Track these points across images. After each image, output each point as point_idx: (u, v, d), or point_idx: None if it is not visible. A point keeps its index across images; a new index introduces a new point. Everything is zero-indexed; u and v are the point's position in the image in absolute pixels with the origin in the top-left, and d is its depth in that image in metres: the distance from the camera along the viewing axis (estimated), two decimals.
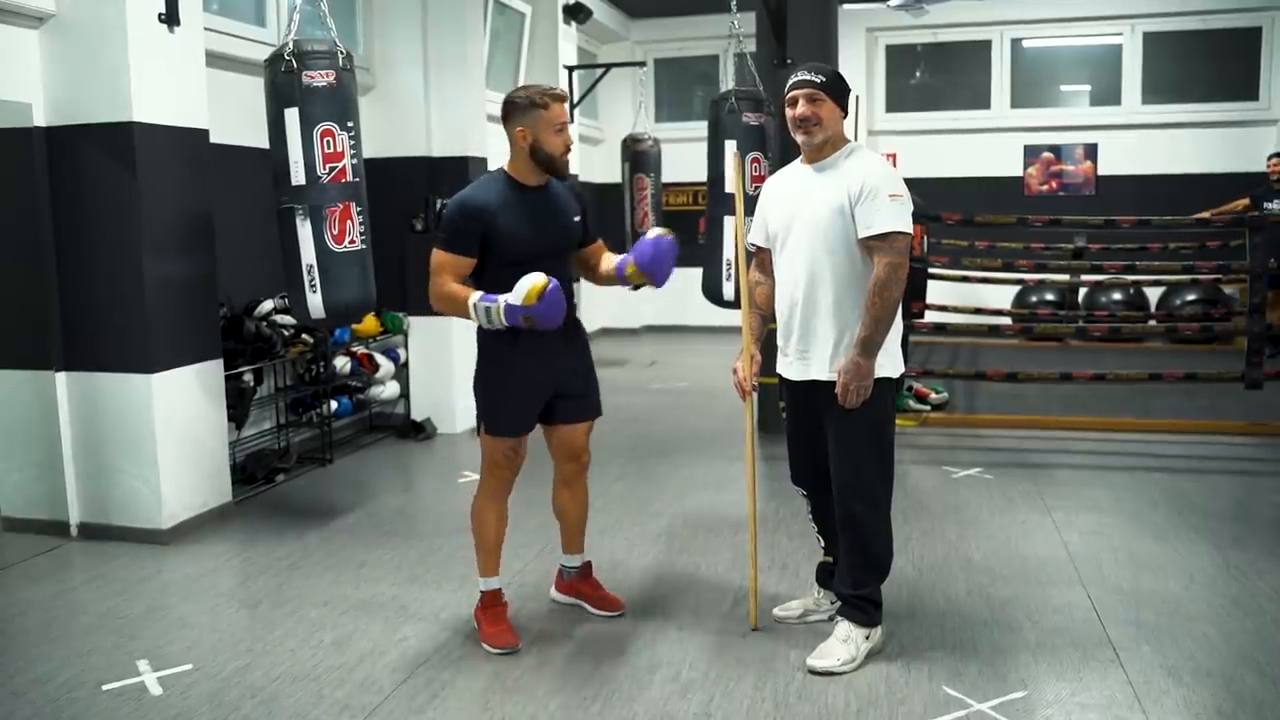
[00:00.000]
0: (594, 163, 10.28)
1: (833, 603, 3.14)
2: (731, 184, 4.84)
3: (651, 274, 3.04)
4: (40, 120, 4.03)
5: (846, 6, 8.94)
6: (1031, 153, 10.17)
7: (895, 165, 3.09)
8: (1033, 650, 3.01)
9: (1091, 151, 10.03)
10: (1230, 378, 5.62)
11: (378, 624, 3.28)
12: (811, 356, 2.93)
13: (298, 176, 3.84)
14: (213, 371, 4.40)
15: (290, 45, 3.81)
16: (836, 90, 2.91)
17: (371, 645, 3.12)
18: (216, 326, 4.45)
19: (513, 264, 2.86)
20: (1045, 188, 10.16)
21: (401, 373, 6.03)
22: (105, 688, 2.86)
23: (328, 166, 3.85)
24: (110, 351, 4.09)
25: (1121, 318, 8.42)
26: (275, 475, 4.96)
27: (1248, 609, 3.30)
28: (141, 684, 2.89)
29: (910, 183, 2.90)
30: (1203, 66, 9.84)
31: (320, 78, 3.80)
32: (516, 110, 2.97)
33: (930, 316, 6.80)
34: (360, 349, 5.68)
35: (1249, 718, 2.62)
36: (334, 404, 5.44)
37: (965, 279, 6.95)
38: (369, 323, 5.66)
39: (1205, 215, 7.32)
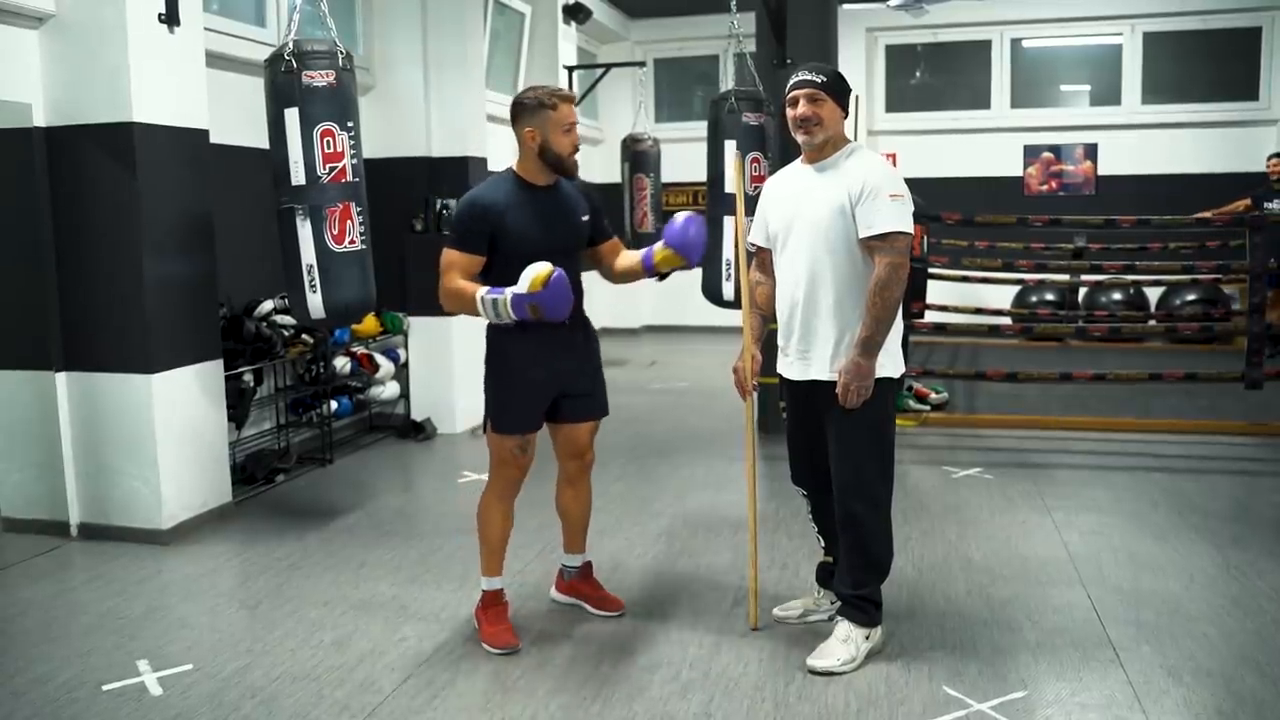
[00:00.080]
0: (594, 163, 10.28)
1: (833, 603, 3.14)
2: (732, 184, 4.85)
3: (686, 252, 3.01)
4: (40, 120, 4.03)
5: (846, 6, 8.95)
6: (1031, 153, 10.17)
7: (895, 165, 3.08)
8: (1033, 650, 3.01)
9: (1091, 151, 10.03)
10: (1230, 378, 5.62)
11: (378, 624, 3.28)
12: (812, 356, 2.93)
13: (298, 176, 3.84)
14: (213, 372, 4.40)
15: (290, 45, 3.80)
16: (837, 90, 2.91)
17: (371, 645, 3.12)
18: (216, 327, 4.45)
19: (521, 263, 2.86)
20: (1045, 188, 10.16)
21: (401, 373, 6.03)
22: (105, 688, 2.86)
23: (328, 166, 3.84)
24: (110, 352, 4.09)
25: (1121, 318, 8.42)
26: (275, 475, 4.96)
27: (1248, 609, 3.30)
28: (141, 684, 2.89)
29: (910, 183, 2.90)
30: (1203, 66, 9.84)
31: (320, 78, 3.80)
32: (525, 111, 2.98)
33: (930, 316, 6.80)
34: (360, 349, 5.68)
35: (1249, 718, 2.62)
36: (334, 404, 5.44)
37: (965, 279, 6.96)
38: (369, 323, 5.66)
39: (1206, 215, 7.32)
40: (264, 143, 3.97)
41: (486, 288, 2.86)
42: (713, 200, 5.21)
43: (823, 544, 3.22)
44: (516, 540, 3.24)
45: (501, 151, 7.71)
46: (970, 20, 9.92)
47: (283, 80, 3.81)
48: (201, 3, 4.31)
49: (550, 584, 3.48)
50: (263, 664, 3.00)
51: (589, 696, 2.78)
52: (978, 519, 4.30)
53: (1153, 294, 9.31)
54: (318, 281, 3.88)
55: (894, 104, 10.60)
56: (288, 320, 5.00)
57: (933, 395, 6.43)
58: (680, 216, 3.04)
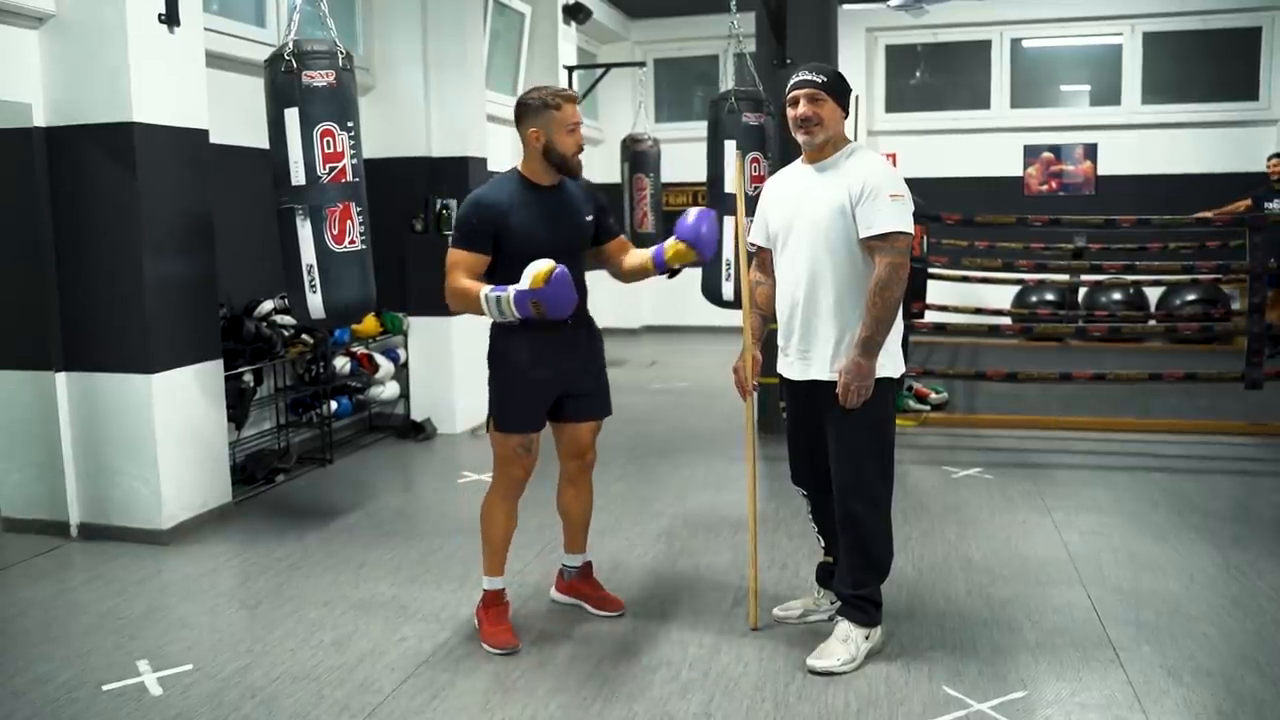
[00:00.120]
0: (593, 163, 10.26)
1: (832, 603, 3.14)
2: (731, 184, 4.85)
3: (698, 247, 3.00)
4: (40, 120, 4.03)
5: (846, 6, 8.95)
6: (1031, 153, 10.17)
7: (895, 165, 3.08)
8: (1033, 650, 3.02)
9: (1091, 151, 10.03)
10: (1230, 378, 5.62)
11: (377, 624, 3.28)
12: (812, 356, 2.93)
13: (298, 176, 3.83)
14: (212, 372, 4.40)
15: (290, 45, 3.80)
16: (838, 90, 2.91)
17: (371, 645, 3.12)
18: (216, 327, 4.45)
19: (525, 263, 2.86)
20: (1045, 188, 10.16)
21: (401, 373, 6.03)
22: (105, 688, 2.86)
23: (328, 166, 3.84)
24: (110, 352, 4.09)
25: (1121, 318, 8.42)
26: (275, 475, 4.96)
27: (1247, 609, 3.30)
28: (141, 684, 2.89)
29: (910, 183, 2.90)
30: (1203, 66, 9.84)
31: (320, 78, 3.80)
32: (529, 111, 2.99)
33: (930, 316, 6.80)
34: (360, 349, 5.68)
35: (1249, 718, 2.62)
36: (334, 404, 5.44)
37: (965, 279, 6.96)
38: (369, 323, 5.66)
39: (1207, 215, 7.32)
40: (264, 143, 3.97)
41: (490, 286, 2.87)
42: (712, 200, 5.21)
43: (823, 544, 3.22)
44: (517, 540, 3.24)
45: (501, 152, 7.72)
46: (970, 20, 9.92)
47: (283, 80, 3.81)
48: (201, 3, 4.31)
49: (550, 584, 3.48)
50: (263, 664, 3.00)
51: (589, 696, 2.78)
52: (978, 519, 4.30)
53: (1153, 294, 9.31)
54: (318, 281, 3.88)
55: (894, 104, 10.60)
56: (288, 320, 5.00)
57: (933, 395, 6.43)
58: (692, 211, 3.04)
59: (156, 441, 4.08)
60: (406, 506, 4.80)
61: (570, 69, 8.98)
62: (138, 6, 3.94)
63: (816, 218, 2.87)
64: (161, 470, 4.10)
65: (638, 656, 3.02)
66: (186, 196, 4.22)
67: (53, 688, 2.87)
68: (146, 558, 3.94)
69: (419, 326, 6.04)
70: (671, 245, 3.04)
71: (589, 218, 3.10)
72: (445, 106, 5.98)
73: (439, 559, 3.89)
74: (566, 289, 2.78)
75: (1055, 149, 10.11)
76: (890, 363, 2.89)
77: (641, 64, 9.84)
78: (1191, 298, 8.98)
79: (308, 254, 3.87)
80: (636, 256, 3.17)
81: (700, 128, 5.68)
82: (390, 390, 5.92)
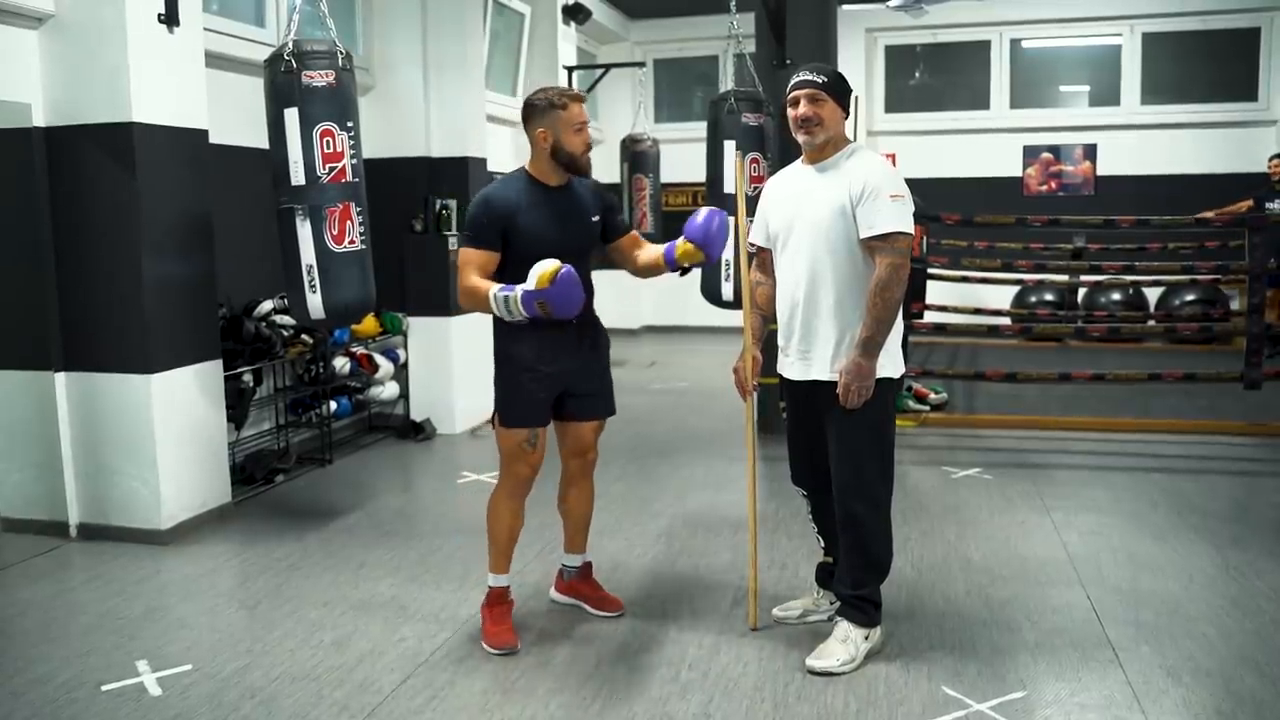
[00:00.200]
0: (593, 163, 10.26)
1: (832, 603, 3.14)
2: (731, 184, 4.85)
3: (706, 247, 3.00)
4: (40, 120, 4.03)
5: (846, 7, 8.95)
6: (1031, 153, 10.17)
7: (894, 165, 3.08)
8: (1032, 650, 3.02)
9: (1091, 152, 10.03)
10: (1229, 378, 5.62)
11: (377, 624, 3.28)
12: (813, 357, 2.93)
13: (297, 177, 3.83)
14: (212, 372, 4.40)
15: (290, 45, 3.80)
16: (838, 90, 2.91)
17: (371, 645, 3.12)
18: (216, 327, 4.45)
19: (533, 262, 2.87)
20: (1044, 188, 10.16)
21: (401, 373, 6.03)
22: (104, 688, 2.86)
23: (327, 167, 3.84)
24: (109, 352, 4.09)
25: (1120, 318, 8.43)
26: (274, 476, 4.95)
27: (1247, 609, 3.30)
28: (141, 684, 2.89)
29: (909, 183, 2.90)
30: (1202, 67, 9.84)
31: (320, 78, 3.80)
32: (536, 112, 3.00)
33: (930, 317, 6.81)
34: (359, 349, 5.68)
35: (1248, 718, 2.62)
36: (333, 404, 5.44)
37: (964, 279, 6.95)
38: (368, 323, 5.66)
39: (1208, 215, 7.32)
40: (264, 143, 3.97)
41: (499, 285, 2.88)
42: (711, 200, 5.21)
43: (822, 544, 3.22)
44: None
45: (501, 152, 7.72)
46: (969, 21, 9.92)
47: (282, 80, 3.81)
48: (201, 3, 4.31)
49: (550, 584, 3.48)
50: (262, 664, 3.00)
51: (588, 697, 2.78)
52: (977, 519, 4.30)
53: (1152, 294, 9.32)
54: (317, 281, 3.88)
55: (893, 104, 10.60)
56: (287, 320, 5.00)
57: (932, 395, 6.43)
58: (702, 211, 3.03)
59: (156, 442, 4.08)
60: (406, 507, 4.80)
61: (570, 69, 8.98)
62: (137, 6, 3.93)
63: (817, 218, 2.87)
64: (161, 470, 4.10)
65: (637, 657, 3.02)
66: (186, 196, 4.22)
67: (52, 688, 2.87)
68: (146, 558, 3.94)
69: (418, 327, 6.04)
70: (681, 244, 3.04)
71: (596, 217, 3.12)
72: (445, 107, 5.98)
73: (438, 559, 3.89)
74: (573, 289, 2.78)
75: (1055, 149, 10.11)
76: (890, 363, 2.90)
77: (641, 64, 9.84)
78: (1191, 298, 8.99)
79: (307, 254, 3.87)
80: (649, 253, 3.19)
81: (700, 128, 5.68)
82: (390, 390, 5.92)
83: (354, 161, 3.92)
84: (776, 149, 5.12)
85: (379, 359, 5.80)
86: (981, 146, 10.13)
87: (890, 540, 3.02)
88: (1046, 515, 4.32)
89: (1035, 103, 10.25)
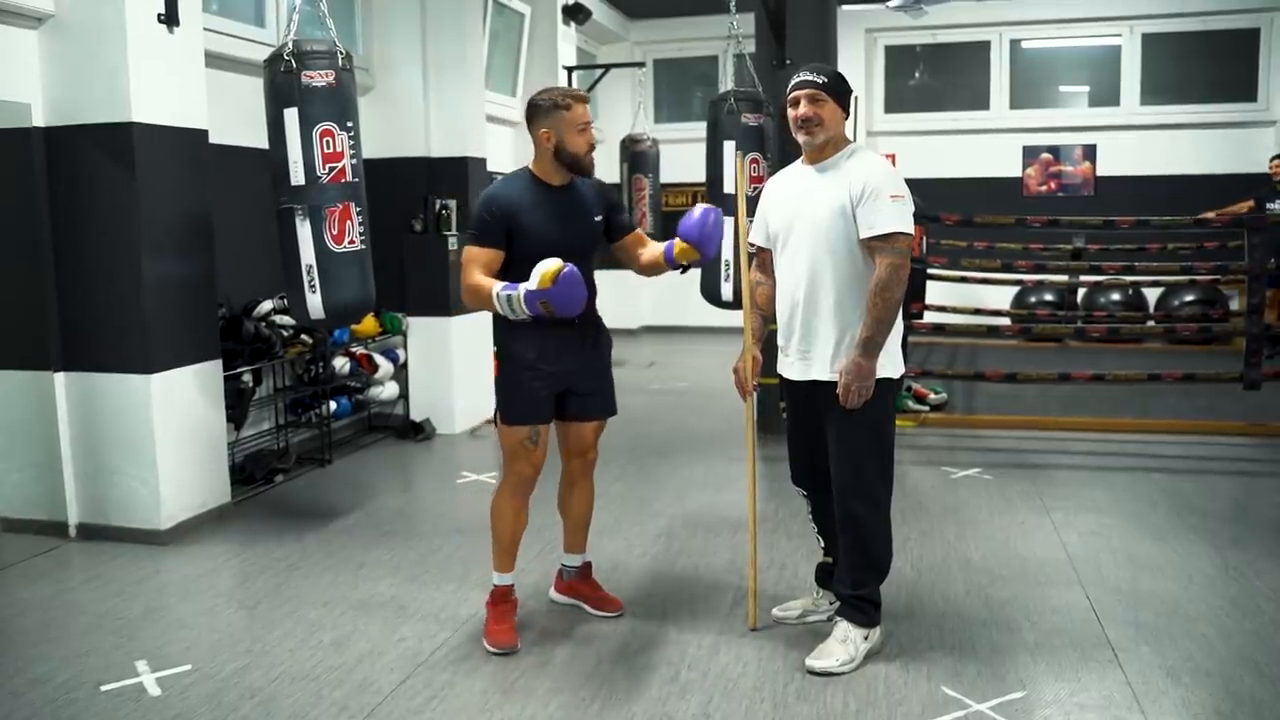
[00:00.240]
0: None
1: (832, 603, 3.14)
2: (731, 184, 4.85)
3: (699, 245, 3.00)
4: (39, 120, 4.03)
5: (846, 7, 8.95)
6: (1030, 153, 10.18)
7: (894, 166, 3.08)
8: (1031, 651, 3.02)
9: (1090, 152, 10.04)
10: (1229, 378, 5.62)
11: (376, 624, 3.28)
12: (813, 357, 2.93)
13: (297, 176, 3.83)
14: (211, 372, 4.40)
15: (289, 45, 3.80)
16: (838, 91, 2.91)
17: (370, 646, 3.12)
18: (215, 327, 4.45)
19: (537, 261, 2.87)
20: (1044, 188, 10.17)
21: (400, 373, 6.03)
22: (104, 688, 2.86)
23: (327, 166, 3.84)
24: (109, 352, 4.09)
25: (1120, 318, 8.43)
26: (274, 476, 4.95)
27: (1246, 609, 3.30)
28: (140, 684, 2.89)
29: (909, 183, 2.90)
30: (1201, 68, 9.85)
31: (319, 78, 3.80)
32: (539, 112, 3.01)
33: (929, 317, 6.81)
34: (359, 349, 5.67)
35: (1247, 718, 2.62)
36: (333, 404, 5.44)
37: (964, 279, 6.96)
38: (368, 323, 5.66)
39: (1210, 216, 7.32)
40: (263, 143, 3.97)
41: (503, 284, 2.88)
42: (711, 201, 5.21)
43: (822, 544, 3.22)
44: None
45: (500, 152, 7.72)
46: (969, 21, 9.92)
47: (282, 80, 3.81)
48: (201, 3, 4.31)
49: (550, 584, 3.47)
50: (261, 664, 3.00)
51: (588, 697, 2.78)
52: (976, 519, 4.30)
53: (1151, 295, 9.33)
54: (317, 282, 3.88)
55: (893, 105, 10.60)
56: (287, 320, 5.00)
57: (931, 396, 6.43)
58: (697, 210, 3.03)
59: (155, 442, 4.08)
60: (405, 507, 4.80)
61: (570, 69, 8.98)
62: (137, 6, 3.93)
63: (817, 218, 2.87)
64: (160, 470, 4.09)
65: (637, 657, 3.02)
66: (186, 196, 4.22)
67: (51, 688, 2.86)
68: (145, 558, 3.93)
69: (418, 327, 6.04)
70: (678, 243, 3.05)
71: (599, 217, 3.12)
72: (445, 107, 5.98)
73: (438, 559, 3.89)
74: (575, 288, 2.78)
75: (1054, 150, 10.12)
76: (890, 363, 2.90)
77: (641, 64, 9.84)
78: (1190, 298, 8.99)
79: (307, 254, 3.87)
80: (651, 252, 3.20)
81: (699, 128, 5.68)
82: (389, 390, 5.91)
83: (354, 161, 3.91)
84: (776, 149, 5.12)
85: (378, 359, 5.80)
86: (981, 147, 10.13)
87: (890, 540, 3.02)
88: (1046, 515, 4.32)
89: (1035, 103, 10.26)
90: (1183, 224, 6.16)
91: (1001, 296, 9.05)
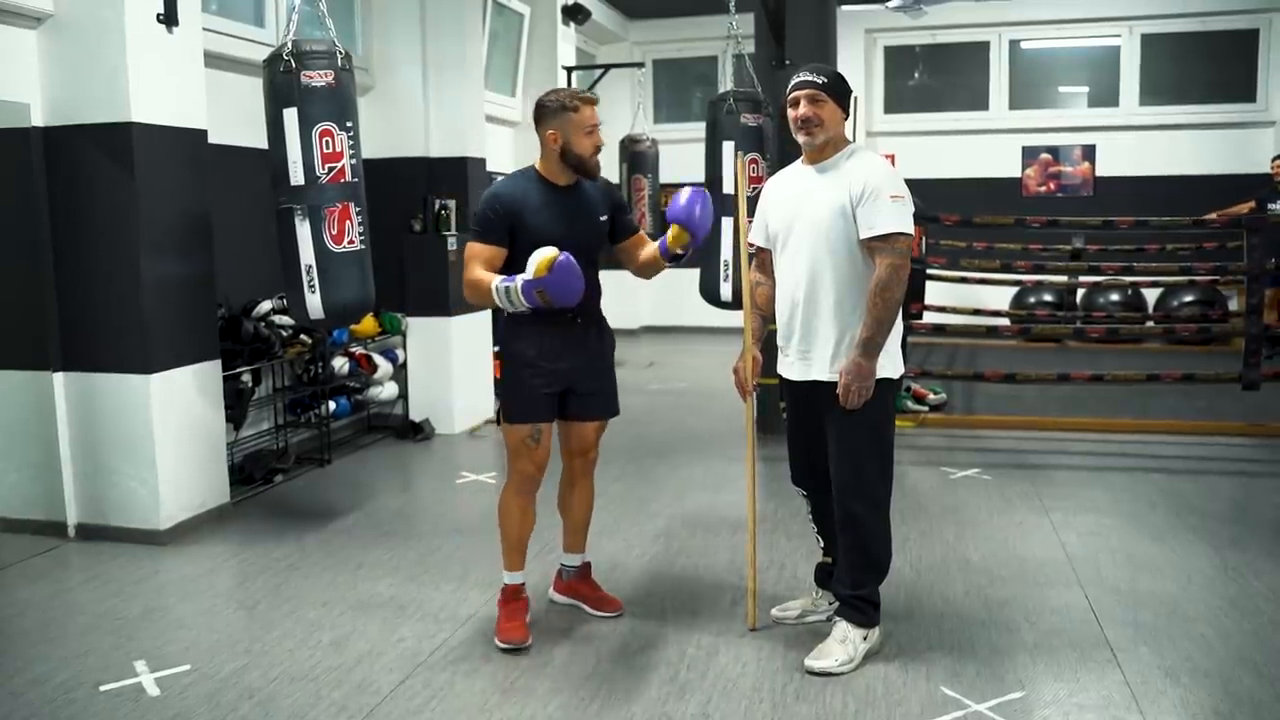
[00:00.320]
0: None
1: (831, 603, 3.14)
2: (730, 184, 4.85)
3: (690, 226, 2.98)
4: (38, 120, 4.02)
5: (845, 8, 8.95)
6: (1029, 154, 10.18)
7: (894, 166, 3.08)
8: (1030, 651, 3.02)
9: (1089, 153, 10.04)
10: (1228, 379, 5.62)
11: (376, 624, 3.28)
12: (813, 357, 2.93)
13: (296, 176, 3.83)
14: (211, 372, 4.40)
15: (289, 45, 3.80)
16: (838, 91, 2.91)
17: (369, 646, 3.12)
18: (214, 327, 4.45)
19: None
20: (1043, 189, 10.17)
21: (400, 373, 6.03)
22: (103, 688, 2.86)
23: (326, 166, 3.84)
24: (108, 352, 4.09)
25: (1119, 319, 8.43)
26: (273, 476, 4.95)
27: (1245, 610, 3.30)
28: (139, 685, 2.88)
29: (908, 184, 2.91)
30: (1201, 68, 9.86)
31: (319, 78, 3.80)
32: (547, 113, 3.01)
33: (928, 317, 6.81)
34: (358, 349, 5.67)
35: (1246, 718, 2.62)
36: (332, 405, 5.44)
37: (963, 280, 6.96)
38: (367, 323, 5.66)
39: (1212, 217, 7.33)
40: (263, 143, 3.97)
41: (501, 276, 2.88)
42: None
43: (822, 544, 3.22)
44: None
45: (500, 152, 7.72)
46: (968, 21, 9.93)
47: (281, 80, 3.81)
48: (200, 3, 4.31)
49: (549, 584, 3.47)
50: (260, 664, 3.00)
51: (587, 697, 2.78)
52: (976, 520, 4.31)
53: (1150, 295, 9.33)
54: (316, 282, 3.88)
55: (892, 105, 10.61)
56: (286, 320, 5.00)
57: (931, 396, 6.43)
58: (684, 192, 3.02)
59: (154, 442, 4.08)
60: (405, 507, 4.80)
61: (569, 69, 8.98)
62: (136, 6, 3.93)
63: (817, 219, 2.87)
64: (159, 470, 4.09)
65: (636, 657, 3.02)
66: (185, 196, 4.22)
67: (50, 688, 2.86)
68: (144, 558, 3.93)
69: (417, 327, 6.04)
70: (670, 231, 3.04)
71: (604, 217, 3.13)
72: (444, 107, 5.98)
73: (437, 559, 3.89)
74: (571, 276, 2.78)
75: (1053, 150, 10.12)
76: (890, 363, 2.90)
77: (640, 65, 9.84)
78: (1189, 299, 8.99)
79: (306, 254, 3.87)
80: (648, 250, 3.20)
81: (699, 129, 5.68)
82: (389, 390, 5.91)
83: (353, 161, 3.91)
84: (775, 149, 5.12)
85: (378, 359, 5.80)
86: (980, 147, 10.14)
87: (889, 540, 3.02)
88: (1045, 516, 4.32)
89: (1034, 103, 10.26)
90: (1182, 224, 6.16)
91: (1001, 297, 9.06)
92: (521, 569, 3.19)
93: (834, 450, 2.93)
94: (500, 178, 3.19)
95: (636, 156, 8.70)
